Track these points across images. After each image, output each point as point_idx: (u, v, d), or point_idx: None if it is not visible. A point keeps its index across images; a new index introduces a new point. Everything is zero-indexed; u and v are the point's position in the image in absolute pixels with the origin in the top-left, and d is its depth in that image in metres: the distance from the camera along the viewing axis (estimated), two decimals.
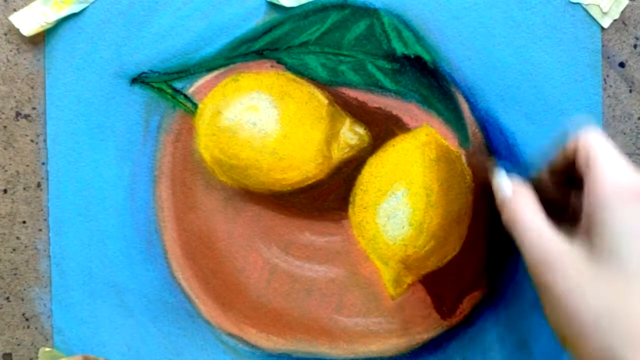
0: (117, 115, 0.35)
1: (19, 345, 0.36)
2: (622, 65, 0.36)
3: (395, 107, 0.35)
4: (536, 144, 0.35)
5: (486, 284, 0.36)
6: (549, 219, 0.28)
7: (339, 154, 0.35)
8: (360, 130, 0.35)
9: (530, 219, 0.28)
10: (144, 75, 0.35)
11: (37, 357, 0.36)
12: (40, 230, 0.36)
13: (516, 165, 0.35)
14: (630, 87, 0.36)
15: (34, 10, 0.34)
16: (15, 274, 0.36)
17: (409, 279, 0.35)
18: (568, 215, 0.31)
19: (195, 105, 0.35)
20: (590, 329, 0.25)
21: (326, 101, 0.35)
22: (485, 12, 0.35)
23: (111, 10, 0.35)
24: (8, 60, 0.35)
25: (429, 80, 0.35)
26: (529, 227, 0.28)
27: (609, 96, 0.35)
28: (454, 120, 0.35)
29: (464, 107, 0.35)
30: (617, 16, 0.35)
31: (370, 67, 0.35)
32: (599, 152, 0.27)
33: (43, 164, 0.35)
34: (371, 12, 0.35)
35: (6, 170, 0.35)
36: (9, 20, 0.34)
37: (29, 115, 0.35)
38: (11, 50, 0.35)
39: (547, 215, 0.29)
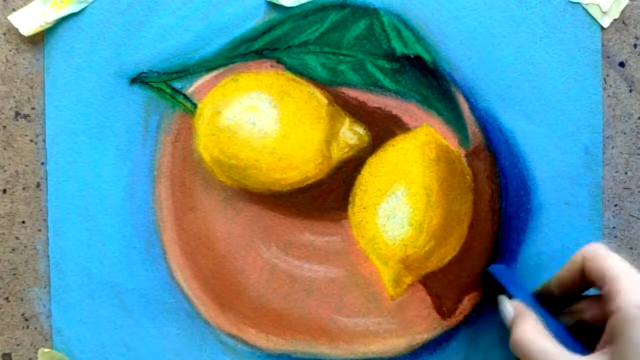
0: (117, 115, 0.35)
1: (18, 345, 0.36)
2: (622, 65, 0.35)
3: (395, 106, 0.35)
4: (536, 143, 0.35)
5: None
6: (555, 337, 0.29)
7: (338, 153, 0.35)
8: (360, 130, 0.35)
9: (534, 339, 0.28)
10: (143, 75, 0.35)
11: (36, 358, 0.36)
12: (39, 230, 0.35)
13: (516, 165, 0.35)
14: (630, 87, 0.36)
15: (33, 10, 0.34)
16: (14, 274, 0.36)
17: (408, 279, 0.35)
18: (576, 322, 0.31)
19: (194, 105, 0.35)
20: None
21: (326, 101, 0.35)
22: (485, 12, 0.35)
23: (111, 10, 0.35)
24: (7, 60, 0.35)
25: (428, 80, 0.35)
26: (535, 348, 0.28)
27: (609, 96, 0.35)
28: (454, 120, 0.35)
29: (464, 107, 0.35)
30: (617, 16, 0.35)
31: (370, 66, 0.35)
32: (616, 269, 0.28)
33: (42, 164, 0.35)
34: (371, 12, 0.35)
35: (5, 170, 0.35)
36: (8, 20, 0.34)
37: (28, 115, 0.35)
38: (10, 50, 0.35)
39: (564, 328, 0.29)
